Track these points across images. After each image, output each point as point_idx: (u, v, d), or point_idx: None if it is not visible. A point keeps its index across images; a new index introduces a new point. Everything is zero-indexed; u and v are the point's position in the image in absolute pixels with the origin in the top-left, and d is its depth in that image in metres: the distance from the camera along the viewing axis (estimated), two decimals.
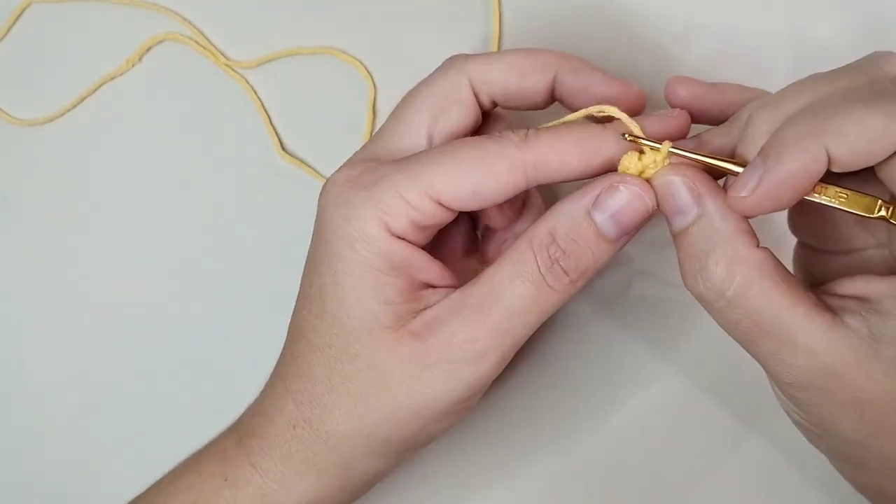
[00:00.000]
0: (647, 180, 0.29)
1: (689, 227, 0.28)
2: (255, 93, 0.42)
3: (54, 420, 0.41)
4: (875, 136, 0.25)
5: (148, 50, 0.43)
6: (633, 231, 0.29)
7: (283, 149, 0.42)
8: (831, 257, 0.32)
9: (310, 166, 0.41)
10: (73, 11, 0.43)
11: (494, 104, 0.33)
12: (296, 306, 0.32)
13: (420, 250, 0.30)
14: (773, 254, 0.28)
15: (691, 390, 0.39)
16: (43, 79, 0.43)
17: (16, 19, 0.43)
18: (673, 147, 0.29)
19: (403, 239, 0.29)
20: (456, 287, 0.30)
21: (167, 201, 0.42)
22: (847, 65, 0.29)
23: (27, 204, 0.42)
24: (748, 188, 0.27)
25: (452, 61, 0.32)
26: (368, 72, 0.42)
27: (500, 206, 0.33)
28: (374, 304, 0.29)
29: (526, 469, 0.39)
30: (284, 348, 0.32)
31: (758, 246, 0.28)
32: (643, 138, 0.29)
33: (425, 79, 0.32)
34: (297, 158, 0.42)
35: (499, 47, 0.41)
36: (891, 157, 0.26)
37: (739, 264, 0.27)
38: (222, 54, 0.43)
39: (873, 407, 0.27)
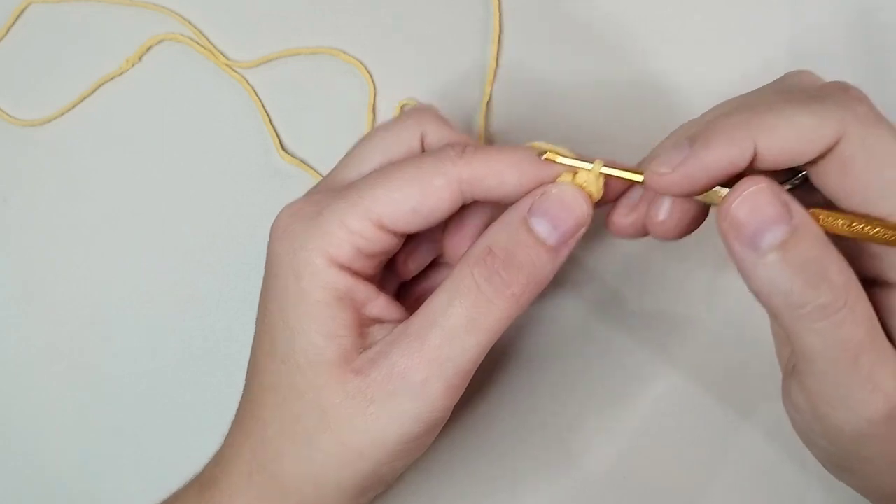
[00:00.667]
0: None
1: (786, 239, 0.25)
2: (255, 93, 0.42)
3: (53, 419, 0.41)
4: (804, 135, 0.26)
5: (148, 50, 0.43)
6: (572, 238, 0.29)
7: (283, 149, 0.42)
8: None
9: (310, 166, 0.41)
10: (73, 11, 0.43)
11: None
12: (251, 346, 0.31)
13: (366, 282, 0.30)
14: None
15: (690, 391, 0.39)
16: (43, 79, 0.43)
17: (15, 19, 0.43)
18: (606, 166, 0.29)
19: (349, 269, 0.29)
20: (405, 319, 0.30)
21: (167, 201, 0.42)
22: (767, 84, 0.30)
23: (27, 204, 0.42)
24: (670, 165, 0.27)
25: (411, 113, 0.32)
26: (368, 72, 0.42)
27: (406, 255, 0.33)
28: (318, 337, 0.28)
29: (524, 479, 0.39)
30: (243, 390, 0.32)
31: None
32: (573, 158, 0.29)
33: (384, 122, 0.32)
34: (297, 158, 0.42)
35: (499, 48, 0.41)
36: (820, 159, 0.26)
37: (849, 267, 0.26)
38: (222, 54, 0.43)
39: None
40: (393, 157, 0.31)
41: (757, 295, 0.27)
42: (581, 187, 0.29)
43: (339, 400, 0.28)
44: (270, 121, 0.42)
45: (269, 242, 0.30)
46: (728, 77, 0.40)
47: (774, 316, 0.27)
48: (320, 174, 0.41)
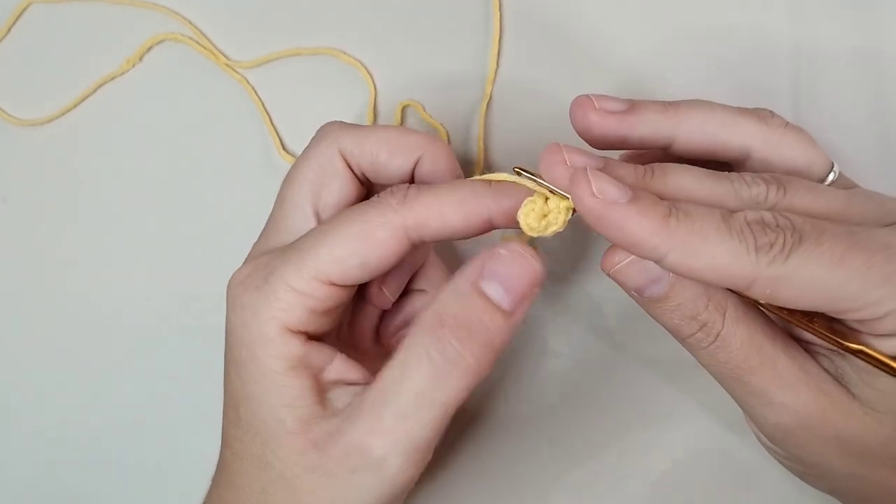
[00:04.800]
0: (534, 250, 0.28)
1: (669, 290, 0.28)
2: (256, 93, 0.42)
3: (52, 420, 0.41)
4: (716, 273, 0.26)
5: (148, 50, 0.43)
6: (527, 298, 0.27)
7: (284, 149, 0.42)
8: None
9: None
10: (73, 11, 0.43)
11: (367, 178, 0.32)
12: (222, 412, 0.31)
13: (320, 346, 0.29)
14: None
15: (705, 421, 0.39)
16: (43, 79, 0.43)
17: (16, 19, 0.43)
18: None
19: (304, 333, 0.29)
20: (367, 381, 0.29)
21: (167, 201, 0.42)
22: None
23: (27, 204, 0.42)
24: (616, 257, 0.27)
25: (324, 132, 0.32)
26: (368, 72, 0.42)
27: (380, 284, 0.33)
28: (279, 409, 0.28)
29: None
30: (219, 453, 0.32)
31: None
32: (550, 188, 0.28)
33: (302, 153, 0.32)
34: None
35: (499, 48, 0.41)
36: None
37: (726, 304, 0.28)
38: (222, 54, 0.43)
39: (859, 443, 0.28)
40: (322, 186, 0.31)
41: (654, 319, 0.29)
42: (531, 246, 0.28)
43: (301, 471, 0.28)
44: (271, 121, 0.42)
45: (227, 313, 0.30)
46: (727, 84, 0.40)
47: None
48: None
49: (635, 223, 0.25)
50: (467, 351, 0.26)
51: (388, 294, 0.34)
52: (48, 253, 0.42)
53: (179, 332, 0.41)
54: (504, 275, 0.27)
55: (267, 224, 0.32)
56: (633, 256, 0.28)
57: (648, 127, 0.31)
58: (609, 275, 0.28)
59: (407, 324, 0.35)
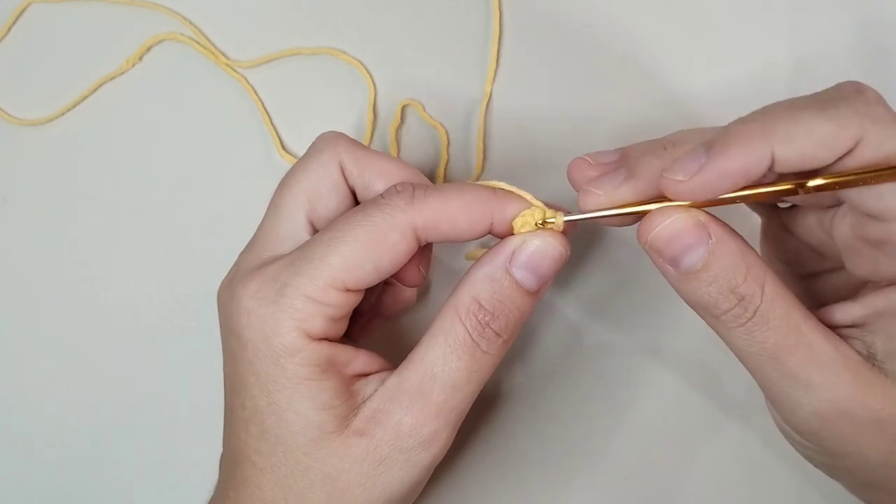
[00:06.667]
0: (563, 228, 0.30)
1: (708, 258, 0.27)
2: (255, 93, 0.42)
3: (52, 420, 0.41)
4: (822, 142, 0.26)
5: (148, 50, 0.43)
6: (552, 277, 0.30)
7: (284, 149, 0.42)
8: (806, 280, 0.33)
9: None
10: (73, 11, 0.43)
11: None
12: (227, 429, 0.31)
13: (342, 345, 0.30)
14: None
15: (687, 389, 0.39)
16: (43, 79, 0.43)
17: (16, 19, 0.43)
18: (567, 218, 0.29)
19: (325, 338, 0.29)
20: (386, 369, 0.30)
21: (167, 201, 0.42)
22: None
23: (27, 204, 0.42)
24: (686, 173, 0.27)
25: (326, 143, 0.32)
26: (368, 72, 0.42)
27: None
28: (313, 413, 0.29)
29: (526, 481, 0.39)
30: (225, 475, 0.31)
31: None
32: (541, 222, 0.30)
33: (300, 160, 0.32)
34: (297, 158, 0.41)
35: (499, 48, 0.41)
36: (838, 161, 0.26)
37: (765, 278, 0.27)
38: (222, 54, 0.43)
39: (892, 425, 0.27)
40: (320, 198, 0.31)
41: (682, 298, 0.29)
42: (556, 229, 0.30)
43: (349, 465, 0.29)
44: (270, 121, 0.42)
45: (234, 328, 0.30)
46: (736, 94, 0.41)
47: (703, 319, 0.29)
48: None
49: (727, 160, 0.26)
50: (503, 329, 0.29)
51: (370, 298, 0.34)
52: (48, 253, 0.42)
53: (179, 333, 0.41)
54: (534, 263, 0.29)
55: (258, 231, 0.32)
56: (673, 218, 0.27)
57: (647, 167, 0.30)
58: (645, 245, 0.28)
59: (376, 316, 0.35)
